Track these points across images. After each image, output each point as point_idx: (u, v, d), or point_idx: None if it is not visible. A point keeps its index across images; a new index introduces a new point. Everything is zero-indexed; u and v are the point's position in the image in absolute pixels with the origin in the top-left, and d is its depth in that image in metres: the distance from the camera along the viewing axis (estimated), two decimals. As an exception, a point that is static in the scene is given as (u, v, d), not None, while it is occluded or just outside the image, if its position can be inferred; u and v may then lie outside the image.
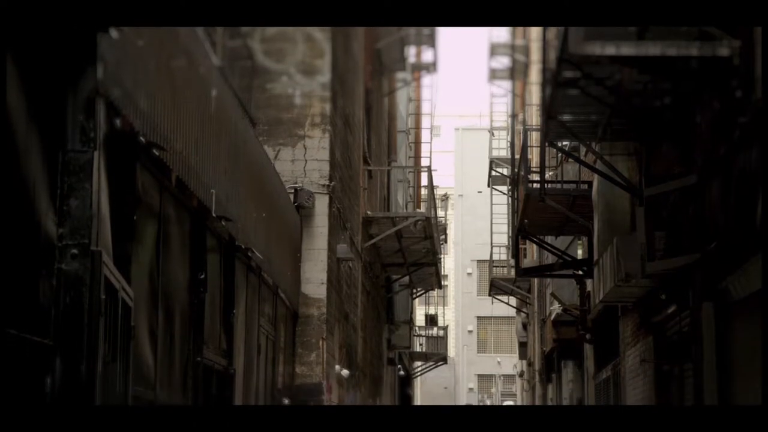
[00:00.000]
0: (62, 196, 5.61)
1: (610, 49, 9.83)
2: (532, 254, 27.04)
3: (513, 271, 26.52)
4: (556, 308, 24.69)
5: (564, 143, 15.19)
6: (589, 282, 19.18)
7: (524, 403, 39.55)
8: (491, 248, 34.27)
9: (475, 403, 61.79)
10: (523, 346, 37.77)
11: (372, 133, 23.27)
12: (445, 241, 33.30)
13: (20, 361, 5.13)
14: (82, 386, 5.54)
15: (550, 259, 21.90)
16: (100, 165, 5.98)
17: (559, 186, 17.94)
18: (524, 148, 19.22)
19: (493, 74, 30.94)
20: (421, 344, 36.96)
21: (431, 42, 26.16)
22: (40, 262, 5.45)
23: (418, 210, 26.60)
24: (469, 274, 62.67)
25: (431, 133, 33.90)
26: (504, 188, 34.13)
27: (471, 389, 62.82)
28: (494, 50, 30.36)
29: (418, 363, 37.35)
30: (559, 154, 19.11)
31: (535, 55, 27.07)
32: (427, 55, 31.48)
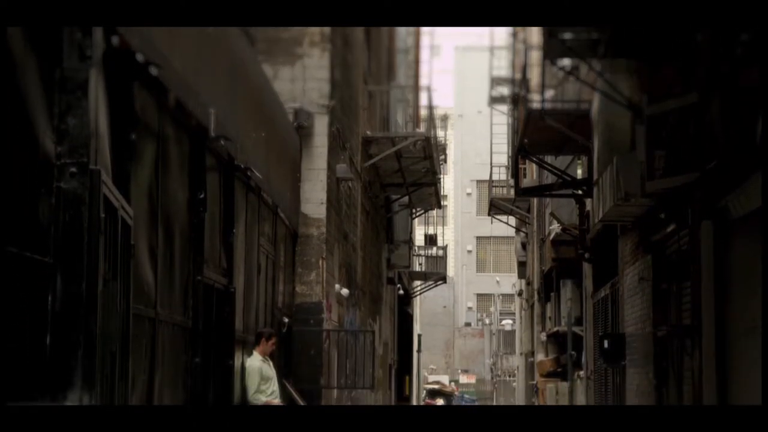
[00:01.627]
0: (60, 114, 5.58)
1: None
2: (531, 174, 27.00)
3: (512, 191, 26.54)
4: (555, 228, 24.75)
5: (564, 62, 15.10)
6: (588, 201, 19.21)
7: (522, 321, 39.81)
8: (491, 168, 34.24)
9: (474, 321, 62.25)
10: (522, 265, 37.92)
11: (371, 52, 23.12)
12: (445, 161, 33.25)
13: (20, 279, 5.15)
14: (83, 304, 5.57)
15: (549, 178, 21.89)
16: (97, 83, 5.94)
17: (559, 105, 17.86)
18: (525, 67, 19.10)
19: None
20: (420, 264, 37.08)
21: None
22: (39, 181, 5.44)
23: (417, 130, 26.51)
24: (468, 194, 62.72)
25: (431, 53, 33.67)
26: (504, 108, 34.00)
27: (470, 308, 63.23)
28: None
29: (418, 282, 37.53)
30: (560, 73, 19.00)
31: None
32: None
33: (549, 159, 20.72)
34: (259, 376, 12.55)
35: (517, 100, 21.00)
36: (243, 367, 12.41)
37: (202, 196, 10.13)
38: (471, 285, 62.89)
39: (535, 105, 17.31)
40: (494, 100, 34.31)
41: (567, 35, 12.36)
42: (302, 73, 15.99)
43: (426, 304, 52.64)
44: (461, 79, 63.91)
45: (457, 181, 62.12)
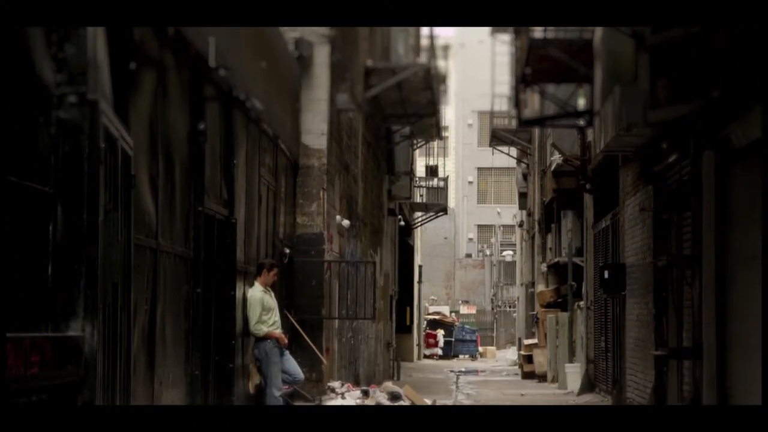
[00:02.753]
0: (58, 42, 5.53)
1: None
2: (533, 104, 26.89)
3: (514, 122, 26.45)
4: (556, 158, 24.70)
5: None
6: (590, 132, 19.15)
7: (523, 252, 39.91)
8: (492, 98, 34.08)
9: (474, 252, 62.40)
10: (523, 196, 37.92)
11: (372, -19, 22.88)
12: (446, 92, 33.11)
13: (21, 209, 5.14)
14: (84, 234, 5.56)
15: (551, 109, 21.80)
16: (95, 12, 5.88)
17: (561, 34, 17.72)
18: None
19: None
20: (421, 195, 37.08)
21: None
22: (38, 110, 5.41)
23: (418, 60, 26.35)
24: (469, 125, 62.53)
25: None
26: (506, 37, 33.75)
27: (471, 239, 63.36)
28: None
29: (419, 213, 37.57)
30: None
31: None
32: None
33: (551, 89, 20.61)
34: (261, 307, 12.60)
35: (519, 30, 20.83)
36: (244, 298, 12.45)
37: (202, 126, 10.10)
38: (472, 216, 62.94)
39: (537, 34, 17.17)
40: (496, 30, 34.03)
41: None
42: (302, 3, 15.84)
43: (427, 235, 52.71)
44: (462, 9, 63.25)
45: (458, 112, 61.89)
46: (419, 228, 40.73)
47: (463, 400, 20.53)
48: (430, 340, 43.32)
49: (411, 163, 31.16)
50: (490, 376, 31.00)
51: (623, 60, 14.02)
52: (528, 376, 28.01)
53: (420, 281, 40.19)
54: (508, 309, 55.08)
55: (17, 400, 4.89)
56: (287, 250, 15.27)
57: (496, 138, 34.40)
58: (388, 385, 18.04)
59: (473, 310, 55.51)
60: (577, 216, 24.76)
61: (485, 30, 36.49)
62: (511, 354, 41.02)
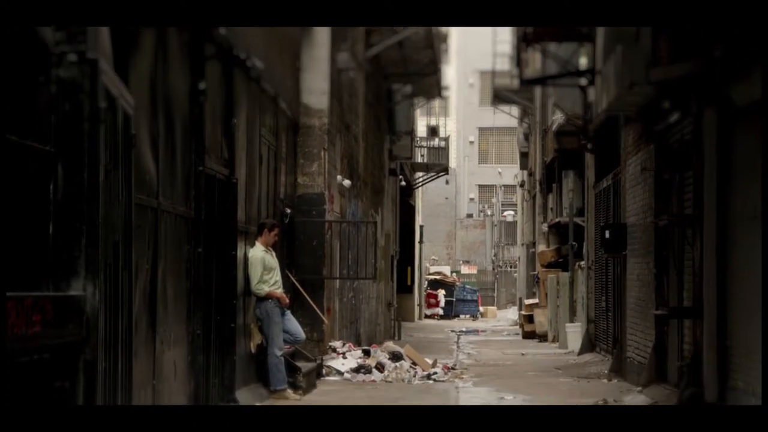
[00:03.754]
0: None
1: None
2: (534, 64, 26.77)
3: (515, 81, 26.35)
4: (558, 118, 24.64)
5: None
6: (591, 91, 19.08)
7: (524, 212, 39.93)
8: (494, 58, 33.94)
9: (475, 212, 62.43)
10: (524, 156, 37.87)
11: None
12: (447, 51, 32.96)
13: (22, 168, 5.13)
14: (84, 193, 5.55)
15: (553, 68, 21.72)
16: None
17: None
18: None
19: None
20: (422, 155, 37.04)
21: None
22: (38, 68, 5.39)
23: (419, 19, 26.21)
24: (471, 84, 62.34)
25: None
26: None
27: (472, 199, 63.36)
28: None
29: (420, 173, 37.54)
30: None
31: None
32: None
33: (552, 48, 20.53)
34: (262, 267, 12.61)
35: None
36: (246, 258, 12.46)
37: (202, 85, 10.06)
38: (473, 176, 62.89)
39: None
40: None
41: None
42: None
43: (428, 195, 52.71)
44: (464, -32, 62.93)
45: (459, 72, 61.68)
46: (420, 188, 40.72)
47: (464, 360, 20.61)
48: (430, 300, 43.43)
49: (412, 123, 31.11)
50: (490, 336, 31.12)
51: (625, 19, 13.95)
52: (528, 335, 28.11)
53: (421, 241, 40.24)
54: (508, 269, 55.19)
55: (19, 358, 4.90)
56: (288, 210, 15.27)
57: (498, 98, 34.31)
58: (389, 344, 18.10)
59: (474, 270, 55.60)
60: (578, 176, 24.74)
61: (486, -11, 36.21)
62: (512, 314, 41.14)
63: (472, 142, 62.97)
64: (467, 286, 46.93)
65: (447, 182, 37.38)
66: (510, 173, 53.57)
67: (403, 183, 32.46)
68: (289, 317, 13.14)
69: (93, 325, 5.65)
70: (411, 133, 30.22)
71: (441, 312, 43.15)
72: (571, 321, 23.70)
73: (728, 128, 11.24)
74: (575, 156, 24.06)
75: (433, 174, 37.41)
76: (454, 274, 49.85)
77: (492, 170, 61.57)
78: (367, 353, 16.41)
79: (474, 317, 44.24)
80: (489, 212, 61.12)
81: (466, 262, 58.39)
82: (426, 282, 44.18)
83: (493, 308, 48.79)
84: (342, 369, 15.43)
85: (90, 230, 5.59)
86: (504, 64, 33.91)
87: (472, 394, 14.32)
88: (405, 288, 34.98)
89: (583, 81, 19.20)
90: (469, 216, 62.69)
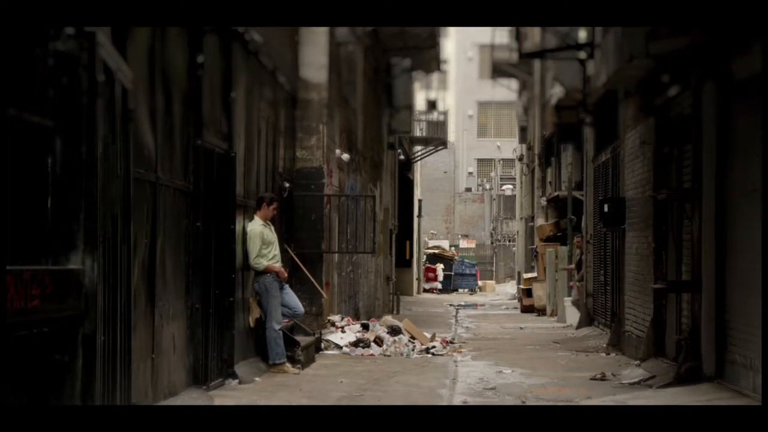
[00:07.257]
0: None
1: None
2: (533, 37, 26.71)
3: (515, 55, 26.30)
4: (557, 92, 24.59)
5: None
6: (591, 65, 19.04)
7: (523, 186, 39.92)
8: (493, 31, 33.86)
9: (474, 186, 62.44)
10: (523, 130, 37.81)
11: None
12: (446, 25, 32.85)
13: (20, 142, 5.12)
14: (83, 167, 5.55)
15: (552, 42, 21.66)
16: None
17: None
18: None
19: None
20: (421, 129, 37.02)
21: None
22: (35, 42, 5.37)
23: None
24: (469, 58, 62.20)
25: None
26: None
27: (470, 173, 63.34)
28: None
29: (418, 147, 37.52)
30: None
31: None
32: None
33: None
34: (261, 241, 12.61)
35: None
36: (244, 232, 12.46)
37: (200, 59, 10.03)
38: (472, 150, 62.85)
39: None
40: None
41: None
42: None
43: (426, 169, 52.67)
44: (463, -59, 62.65)
45: (458, 45, 61.52)
46: (419, 162, 40.69)
47: (463, 334, 20.66)
48: (429, 274, 43.47)
49: (411, 96, 31.05)
50: (489, 310, 31.18)
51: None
52: (527, 309, 28.16)
53: (419, 215, 40.25)
54: (507, 243, 55.22)
55: (18, 332, 4.91)
56: (287, 184, 15.26)
57: (497, 71, 34.23)
58: (388, 318, 18.13)
59: (473, 244, 55.65)
60: (577, 149, 24.71)
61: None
62: (511, 288, 41.19)
63: (471, 116, 62.89)
64: (466, 260, 46.96)
65: (446, 146, 37.32)
66: (509, 147, 53.53)
67: (402, 157, 32.44)
68: (288, 291, 13.15)
69: (92, 299, 5.65)
70: (410, 107, 30.17)
71: (440, 286, 43.20)
72: (570, 295, 23.73)
73: (728, 102, 11.22)
74: (574, 130, 24.02)
75: (431, 148, 37.38)
76: (453, 248, 49.87)
77: (491, 144, 61.53)
78: (365, 327, 16.44)
79: (472, 291, 44.31)
80: (488, 186, 61.11)
81: (465, 236, 58.42)
82: (425, 256, 44.21)
83: (492, 282, 48.84)
84: (341, 343, 15.46)
85: (88, 204, 5.59)
86: (503, 38, 33.84)
87: (470, 367, 14.35)
88: (404, 262, 35.02)
89: (583, 54, 19.16)
90: (468, 190, 62.69)
